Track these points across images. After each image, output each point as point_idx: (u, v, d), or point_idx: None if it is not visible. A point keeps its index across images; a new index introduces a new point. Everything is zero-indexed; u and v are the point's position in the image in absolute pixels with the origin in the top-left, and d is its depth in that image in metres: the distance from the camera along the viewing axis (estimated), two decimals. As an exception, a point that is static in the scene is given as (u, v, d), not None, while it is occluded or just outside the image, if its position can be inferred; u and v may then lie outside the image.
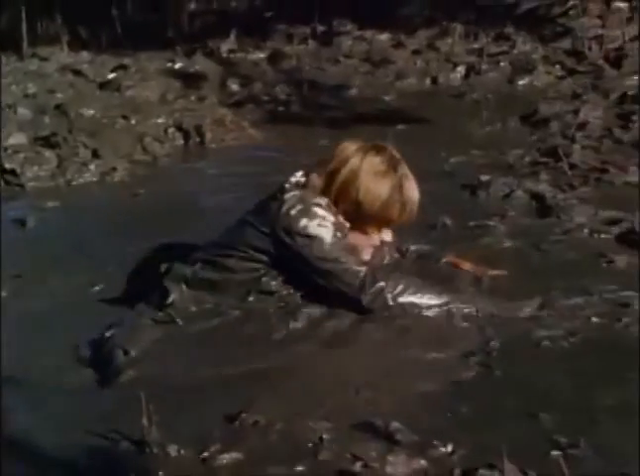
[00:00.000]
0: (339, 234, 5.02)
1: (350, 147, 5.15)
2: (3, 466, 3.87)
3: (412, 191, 5.14)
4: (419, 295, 4.97)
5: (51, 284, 5.59)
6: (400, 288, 4.95)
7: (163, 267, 5.21)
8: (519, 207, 5.98)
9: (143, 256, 5.65)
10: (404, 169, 5.17)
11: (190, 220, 6.08)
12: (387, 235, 5.23)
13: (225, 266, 5.10)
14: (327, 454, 3.90)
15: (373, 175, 5.08)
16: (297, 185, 5.10)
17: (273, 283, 5.07)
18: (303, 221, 4.97)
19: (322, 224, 4.99)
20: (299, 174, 5.15)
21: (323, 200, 5.05)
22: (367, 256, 5.17)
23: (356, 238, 5.15)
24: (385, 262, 5.27)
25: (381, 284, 4.92)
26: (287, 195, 5.04)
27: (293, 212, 4.98)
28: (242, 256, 5.08)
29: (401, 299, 4.94)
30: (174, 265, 5.18)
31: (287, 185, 5.08)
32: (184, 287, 5.11)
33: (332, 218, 5.01)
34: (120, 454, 3.99)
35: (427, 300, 4.96)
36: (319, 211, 5.01)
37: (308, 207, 5.00)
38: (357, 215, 5.10)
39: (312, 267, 5.00)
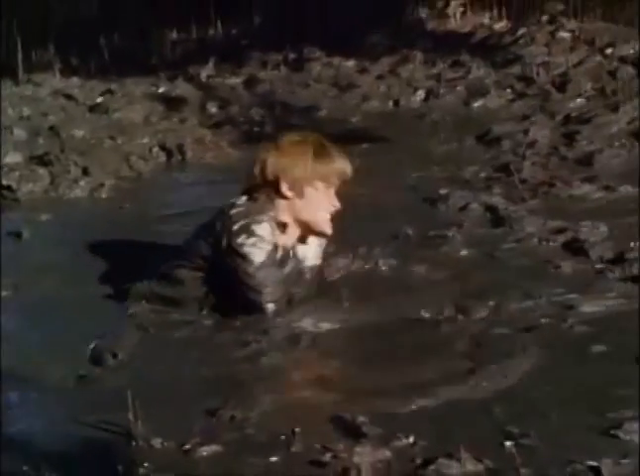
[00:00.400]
0: (270, 257, 4.99)
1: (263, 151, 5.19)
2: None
3: (336, 162, 5.15)
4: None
5: (44, 289, 5.51)
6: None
7: (127, 285, 5.21)
8: (475, 218, 5.98)
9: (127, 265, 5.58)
10: (322, 145, 5.19)
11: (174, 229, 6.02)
12: (334, 203, 5.16)
13: (177, 279, 5.10)
14: (299, 446, 3.88)
15: (291, 154, 5.10)
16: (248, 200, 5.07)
17: None
18: (241, 237, 4.95)
19: (259, 243, 4.97)
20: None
21: (268, 215, 5.01)
22: (326, 227, 5.17)
23: (309, 213, 5.13)
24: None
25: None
26: (234, 211, 5.02)
27: (236, 227, 4.96)
28: (193, 267, 5.08)
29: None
30: (135, 284, 5.19)
31: (237, 201, 5.07)
32: (144, 302, 5.13)
33: (270, 235, 5.00)
34: (108, 446, 3.96)
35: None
36: (260, 230, 4.98)
37: (251, 224, 4.97)
38: (300, 195, 5.08)
39: (237, 279, 4.99)
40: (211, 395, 4.33)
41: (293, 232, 5.14)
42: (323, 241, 5.25)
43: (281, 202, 5.06)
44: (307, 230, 5.16)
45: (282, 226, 5.06)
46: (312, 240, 5.20)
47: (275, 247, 5.02)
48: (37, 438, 4.06)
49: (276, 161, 5.08)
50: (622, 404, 4.06)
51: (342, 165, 5.15)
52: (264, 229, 4.97)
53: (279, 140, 5.21)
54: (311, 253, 5.21)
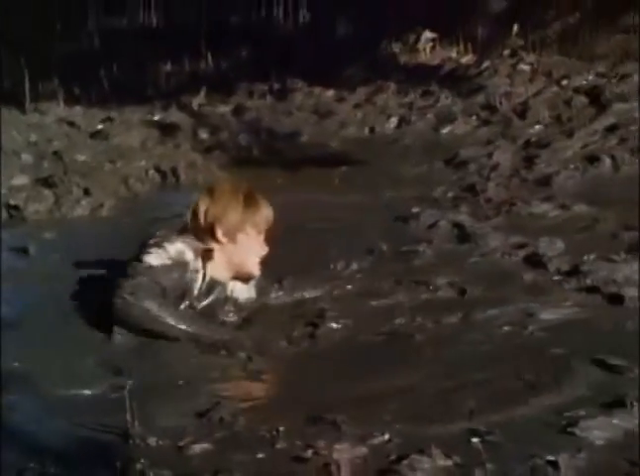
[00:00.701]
0: (165, 269, 4.98)
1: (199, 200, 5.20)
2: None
3: (263, 211, 5.19)
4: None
5: (51, 300, 5.46)
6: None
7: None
8: (443, 235, 6.00)
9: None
10: (250, 194, 5.23)
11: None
12: (263, 247, 5.21)
13: None
14: (283, 444, 3.88)
15: (221, 208, 5.11)
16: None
17: None
18: (144, 255, 5.01)
19: (156, 252, 5.01)
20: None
21: (184, 240, 5.06)
22: (255, 269, 5.22)
23: (241, 257, 5.17)
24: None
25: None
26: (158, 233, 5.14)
27: (144, 248, 5.05)
28: None
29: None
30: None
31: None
32: None
33: (167, 252, 5.01)
34: (107, 445, 3.95)
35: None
36: (158, 249, 5.02)
37: (160, 241, 5.06)
38: (233, 240, 5.13)
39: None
40: (202, 397, 4.33)
41: (224, 270, 5.17)
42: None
43: (215, 246, 5.10)
44: (237, 272, 5.19)
45: (207, 252, 5.08)
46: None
47: (179, 264, 5.02)
48: (41, 436, 4.03)
49: (212, 209, 5.10)
50: (578, 403, 4.09)
51: (269, 212, 5.20)
52: (173, 247, 5.01)
53: (213, 189, 5.23)
54: (242, 288, 5.25)
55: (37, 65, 8.58)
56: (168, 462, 3.80)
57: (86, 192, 6.72)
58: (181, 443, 3.91)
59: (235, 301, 5.21)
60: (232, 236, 5.10)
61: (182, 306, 5.01)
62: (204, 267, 5.07)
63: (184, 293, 5.03)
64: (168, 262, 4.97)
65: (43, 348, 4.88)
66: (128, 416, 4.00)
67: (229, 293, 5.20)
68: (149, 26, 10.71)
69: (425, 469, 3.68)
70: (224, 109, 8.46)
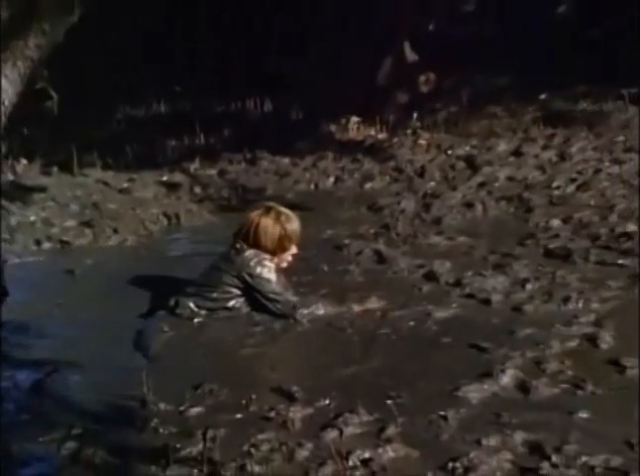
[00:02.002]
0: (276, 276, 5.05)
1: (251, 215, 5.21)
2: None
3: (292, 225, 5.18)
4: (319, 309, 4.99)
5: (92, 307, 5.47)
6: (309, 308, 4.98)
7: (172, 300, 5.10)
8: (367, 258, 6.00)
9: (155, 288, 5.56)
10: (285, 214, 5.22)
11: (174, 266, 6.00)
12: (294, 250, 5.23)
13: (211, 297, 5.06)
14: (254, 407, 3.90)
15: (267, 227, 5.12)
16: (248, 246, 5.09)
17: (239, 305, 5.07)
18: (258, 269, 5.01)
19: (269, 271, 5.03)
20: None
21: (267, 256, 5.07)
22: (285, 264, 5.23)
23: (281, 260, 5.18)
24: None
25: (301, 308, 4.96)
26: (246, 253, 5.06)
27: (252, 263, 5.03)
28: (222, 290, 5.06)
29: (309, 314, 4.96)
30: (180, 299, 5.09)
31: (239, 246, 5.09)
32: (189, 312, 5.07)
33: (272, 267, 5.05)
34: (131, 409, 3.95)
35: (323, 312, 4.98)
36: (267, 263, 5.05)
37: (261, 260, 5.04)
38: (276, 249, 5.12)
39: (265, 297, 5.01)
40: (198, 373, 4.30)
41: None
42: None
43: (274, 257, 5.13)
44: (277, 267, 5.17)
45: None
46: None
47: (275, 269, 5.08)
48: (79, 401, 4.04)
49: (261, 231, 5.11)
50: (461, 375, 4.10)
51: (299, 227, 5.22)
52: (269, 263, 5.05)
53: (259, 211, 5.21)
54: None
55: (82, 143, 8.56)
56: (173, 421, 3.80)
57: (115, 231, 6.69)
58: (182, 408, 3.92)
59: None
60: (283, 248, 5.14)
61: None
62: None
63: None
64: (275, 273, 5.05)
65: (88, 339, 4.87)
66: (145, 389, 4.00)
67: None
68: (159, 114, 10.71)
69: (355, 423, 3.69)
70: (212, 172, 8.45)
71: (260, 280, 5.02)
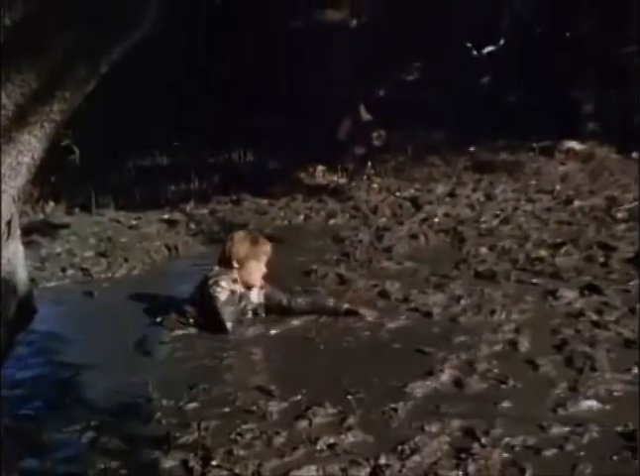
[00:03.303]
0: (229, 298, 4.91)
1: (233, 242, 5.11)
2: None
3: (259, 244, 5.12)
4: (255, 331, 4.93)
5: (107, 321, 5.42)
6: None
7: (172, 314, 5.02)
8: (331, 280, 5.92)
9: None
10: (253, 236, 5.24)
11: (174, 288, 5.96)
12: (263, 269, 5.11)
13: (199, 312, 4.96)
14: (240, 402, 3.89)
15: (236, 243, 5.07)
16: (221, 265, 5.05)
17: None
18: (213, 287, 4.92)
19: (222, 290, 4.91)
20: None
21: (226, 276, 4.96)
22: (257, 282, 5.11)
23: (250, 278, 5.07)
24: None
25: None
26: (211, 273, 5.03)
27: (210, 282, 4.94)
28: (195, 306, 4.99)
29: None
30: (177, 314, 5.00)
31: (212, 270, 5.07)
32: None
33: (228, 286, 4.93)
34: (138, 403, 3.94)
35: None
36: (222, 283, 4.92)
37: (218, 280, 4.94)
38: (243, 263, 5.03)
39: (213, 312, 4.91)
40: (196, 374, 4.28)
41: (241, 285, 5.07)
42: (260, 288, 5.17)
43: (234, 270, 5.02)
44: (245, 285, 5.09)
45: (234, 281, 5.00)
46: (253, 289, 5.15)
47: (232, 292, 4.96)
48: (99, 401, 4.00)
49: (231, 248, 5.05)
50: (408, 374, 4.10)
51: (267, 248, 5.13)
52: (224, 282, 4.94)
53: (232, 237, 5.17)
54: (254, 295, 5.14)
55: (99, 188, 8.49)
56: (173, 414, 3.80)
57: (126, 260, 6.60)
58: (180, 403, 3.91)
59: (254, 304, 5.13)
60: (242, 264, 5.02)
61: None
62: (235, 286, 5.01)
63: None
64: (227, 292, 4.91)
65: (104, 347, 4.83)
66: (150, 388, 3.99)
67: (251, 298, 5.11)
68: (162, 164, 10.67)
69: (322, 415, 3.69)
70: (204, 211, 8.37)
71: (211, 296, 4.91)
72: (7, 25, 2.11)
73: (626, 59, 10.60)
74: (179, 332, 4.93)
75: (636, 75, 10.37)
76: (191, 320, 4.97)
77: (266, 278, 5.18)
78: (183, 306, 5.05)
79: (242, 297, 5.05)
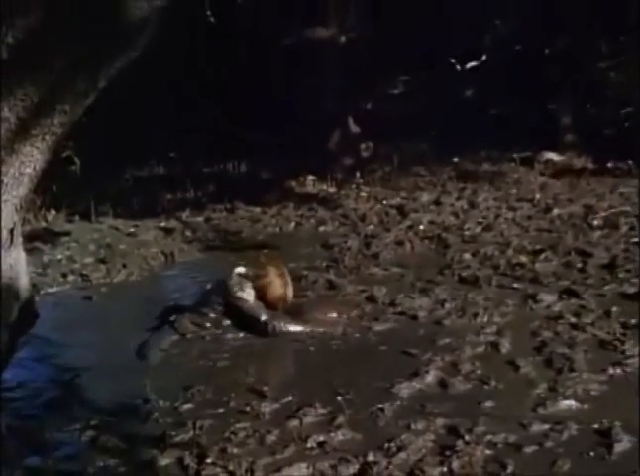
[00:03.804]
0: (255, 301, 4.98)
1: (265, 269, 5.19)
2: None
3: (277, 290, 5.12)
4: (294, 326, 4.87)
5: (106, 325, 5.40)
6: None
7: (173, 318, 4.96)
8: (321, 285, 5.91)
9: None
10: (275, 278, 5.17)
11: (170, 293, 5.94)
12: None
13: (205, 317, 4.94)
14: (233, 403, 3.88)
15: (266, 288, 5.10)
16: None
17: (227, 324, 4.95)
18: (239, 292, 4.95)
19: (248, 294, 4.97)
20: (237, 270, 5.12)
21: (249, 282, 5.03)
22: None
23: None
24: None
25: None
26: (232, 280, 5.03)
27: (235, 287, 4.97)
28: (214, 311, 4.96)
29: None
30: (179, 318, 4.95)
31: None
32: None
33: (252, 291, 5.00)
34: (135, 405, 3.93)
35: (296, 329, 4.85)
36: (247, 288, 4.99)
37: (242, 285, 4.99)
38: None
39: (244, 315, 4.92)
40: (192, 376, 4.27)
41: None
42: None
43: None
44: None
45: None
46: None
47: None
48: (100, 402, 3.98)
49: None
50: (395, 375, 4.10)
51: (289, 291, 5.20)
52: (248, 288, 4.99)
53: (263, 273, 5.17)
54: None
55: (98, 197, 8.46)
56: (169, 415, 3.79)
57: (124, 266, 6.57)
58: (176, 404, 3.90)
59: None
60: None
61: None
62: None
63: None
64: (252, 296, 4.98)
65: (103, 350, 4.80)
66: (147, 389, 3.99)
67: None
68: (159, 174, 10.64)
69: (312, 414, 3.69)
70: (199, 219, 8.35)
71: (238, 298, 4.93)
72: (10, 42, 2.12)
73: (601, 74, 10.68)
74: (178, 336, 4.89)
75: (610, 89, 10.44)
76: (208, 324, 4.92)
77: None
78: (199, 309, 5.00)
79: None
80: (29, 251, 2.83)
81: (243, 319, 4.91)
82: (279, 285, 5.14)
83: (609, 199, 8.01)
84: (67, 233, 7.50)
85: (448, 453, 3.28)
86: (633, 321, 4.70)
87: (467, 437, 3.39)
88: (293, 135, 10.40)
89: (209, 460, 3.31)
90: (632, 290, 5.29)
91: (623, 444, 3.31)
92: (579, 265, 5.96)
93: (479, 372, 4.14)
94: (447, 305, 5.22)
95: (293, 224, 8.16)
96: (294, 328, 4.86)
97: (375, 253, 6.78)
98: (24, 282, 2.41)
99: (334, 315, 5.14)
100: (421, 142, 10.99)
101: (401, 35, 11.18)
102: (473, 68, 11.93)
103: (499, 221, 7.56)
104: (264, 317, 4.88)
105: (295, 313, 5.06)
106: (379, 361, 4.40)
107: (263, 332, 4.82)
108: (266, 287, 5.07)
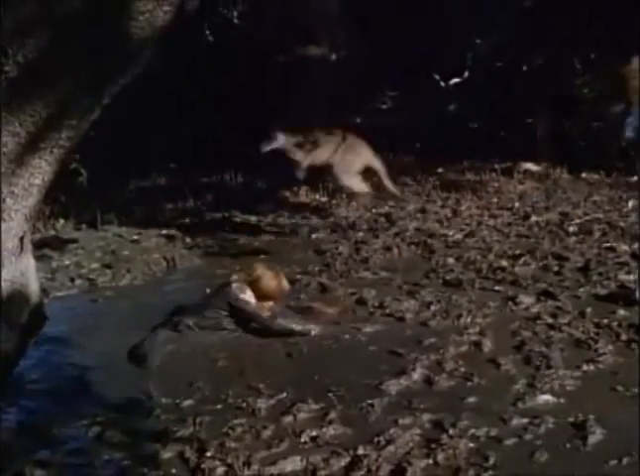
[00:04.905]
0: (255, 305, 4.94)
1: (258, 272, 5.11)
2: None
3: (270, 282, 5.07)
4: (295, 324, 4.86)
5: (111, 326, 5.36)
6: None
7: (175, 319, 4.90)
8: (313, 289, 5.90)
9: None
10: (264, 271, 5.14)
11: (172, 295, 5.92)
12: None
13: (206, 318, 4.89)
14: (231, 399, 3.87)
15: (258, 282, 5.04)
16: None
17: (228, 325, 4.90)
18: (241, 295, 4.91)
19: (250, 297, 4.93)
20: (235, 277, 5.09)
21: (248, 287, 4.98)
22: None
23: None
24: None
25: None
26: (233, 286, 4.97)
27: (237, 292, 4.92)
28: (215, 312, 4.90)
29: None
30: (181, 319, 4.88)
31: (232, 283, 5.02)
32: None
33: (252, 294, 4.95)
34: (139, 401, 3.94)
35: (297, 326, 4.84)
36: (247, 291, 4.94)
37: (243, 289, 4.94)
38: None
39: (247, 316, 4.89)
40: (191, 374, 4.24)
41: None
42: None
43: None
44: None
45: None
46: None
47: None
48: (106, 398, 3.97)
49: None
50: (383, 373, 4.10)
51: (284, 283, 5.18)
52: (248, 292, 4.95)
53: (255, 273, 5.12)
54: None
55: (104, 207, 8.40)
56: (171, 411, 3.78)
57: (128, 271, 6.55)
58: (177, 401, 3.89)
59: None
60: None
61: None
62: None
63: None
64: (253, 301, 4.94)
65: (108, 349, 4.74)
66: (150, 387, 3.99)
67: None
68: (160, 184, 10.60)
69: (305, 410, 3.69)
70: (199, 227, 8.31)
71: (242, 301, 4.91)
72: (19, 61, 2.13)
73: (576, 90, 10.73)
74: (180, 336, 4.84)
75: (584, 104, 10.49)
76: (208, 324, 4.87)
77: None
78: (201, 312, 4.95)
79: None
80: (38, 257, 2.84)
81: (247, 320, 4.89)
82: (270, 277, 5.11)
83: (583, 207, 8.05)
84: (75, 240, 7.48)
85: (433, 446, 3.29)
86: (605, 321, 4.72)
87: (451, 431, 3.40)
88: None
89: (208, 454, 3.31)
90: (604, 292, 5.31)
91: (597, 436, 3.34)
92: (555, 268, 5.98)
93: (462, 370, 4.14)
94: (432, 307, 5.22)
95: (288, 231, 8.14)
96: (296, 326, 4.85)
97: (365, 258, 6.78)
98: (34, 286, 2.42)
99: (330, 312, 5.14)
100: (407, 154, 11.00)
101: (388, 53, 11.21)
102: (456, 84, 11.98)
103: (481, 228, 7.57)
104: (266, 316, 4.88)
105: (295, 312, 5.11)
106: (369, 360, 4.39)
107: (266, 331, 4.81)
108: (257, 281, 5.04)
